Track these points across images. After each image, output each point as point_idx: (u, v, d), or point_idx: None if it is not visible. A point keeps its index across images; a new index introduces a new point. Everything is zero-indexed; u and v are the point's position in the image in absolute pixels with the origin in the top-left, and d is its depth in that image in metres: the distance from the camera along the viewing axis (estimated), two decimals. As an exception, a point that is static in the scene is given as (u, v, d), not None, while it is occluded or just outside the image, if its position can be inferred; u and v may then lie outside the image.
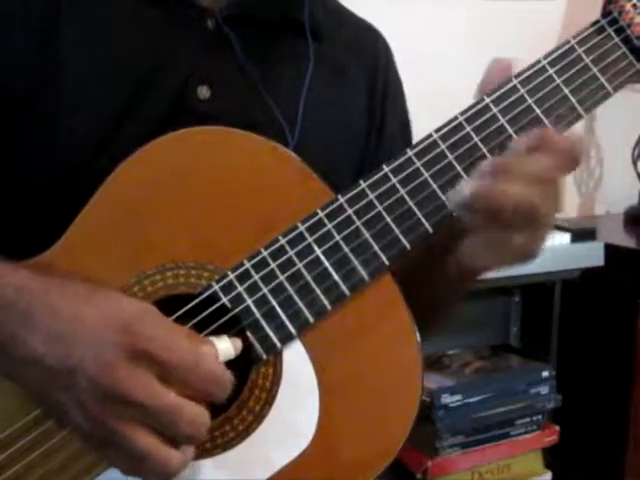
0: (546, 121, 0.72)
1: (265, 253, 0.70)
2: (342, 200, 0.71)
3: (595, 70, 0.73)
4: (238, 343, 0.68)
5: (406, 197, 0.71)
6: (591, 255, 1.80)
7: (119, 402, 0.60)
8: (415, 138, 0.95)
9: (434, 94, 1.80)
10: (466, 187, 0.67)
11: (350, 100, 0.89)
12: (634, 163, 2.27)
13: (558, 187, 0.69)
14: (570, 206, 2.29)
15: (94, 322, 0.62)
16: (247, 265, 0.70)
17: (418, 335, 0.71)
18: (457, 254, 0.71)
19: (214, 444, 0.70)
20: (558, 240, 1.78)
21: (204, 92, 0.79)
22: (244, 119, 0.73)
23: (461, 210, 0.68)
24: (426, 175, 0.71)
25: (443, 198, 0.71)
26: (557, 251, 1.77)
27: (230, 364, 0.70)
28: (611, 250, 1.82)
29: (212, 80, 0.79)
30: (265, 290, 0.69)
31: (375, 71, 0.92)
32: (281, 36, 0.85)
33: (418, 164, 0.71)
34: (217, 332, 0.69)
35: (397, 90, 0.96)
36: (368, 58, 0.92)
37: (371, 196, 0.71)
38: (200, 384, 0.63)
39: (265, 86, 0.81)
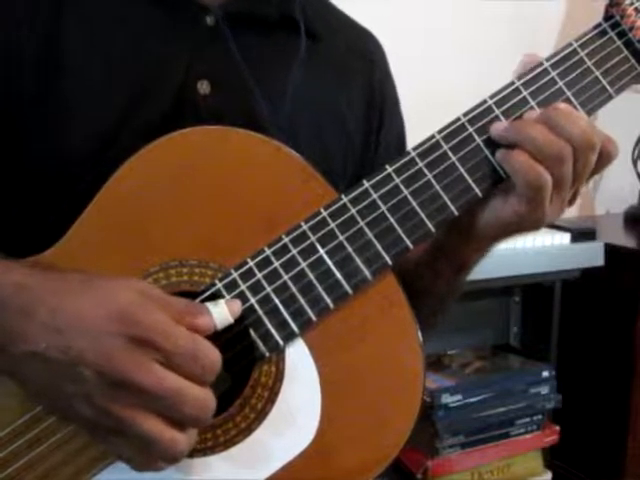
0: (548, 122, 0.73)
1: (268, 252, 0.70)
2: (345, 200, 0.71)
3: (597, 73, 0.74)
4: (236, 306, 0.68)
5: (409, 197, 0.71)
6: (591, 255, 1.80)
7: (122, 389, 0.61)
8: (412, 136, 0.95)
9: (432, 93, 1.81)
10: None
11: (346, 103, 0.90)
12: (634, 163, 2.27)
13: None
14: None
15: (91, 314, 0.62)
16: (250, 264, 0.70)
17: (420, 334, 0.72)
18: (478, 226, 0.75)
19: (216, 442, 0.70)
20: (558, 240, 1.78)
21: (204, 87, 0.79)
22: (246, 113, 0.74)
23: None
24: (429, 176, 0.71)
25: (445, 198, 0.72)
26: (557, 251, 1.77)
27: (233, 361, 0.70)
28: (611, 250, 1.82)
29: (211, 75, 0.80)
30: (268, 289, 0.70)
31: (372, 79, 0.93)
32: (279, 34, 0.86)
33: (421, 164, 0.72)
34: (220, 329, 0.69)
35: (394, 100, 0.97)
36: (366, 64, 0.93)
37: (374, 196, 0.71)
38: (197, 369, 0.62)
39: (258, 83, 0.81)
